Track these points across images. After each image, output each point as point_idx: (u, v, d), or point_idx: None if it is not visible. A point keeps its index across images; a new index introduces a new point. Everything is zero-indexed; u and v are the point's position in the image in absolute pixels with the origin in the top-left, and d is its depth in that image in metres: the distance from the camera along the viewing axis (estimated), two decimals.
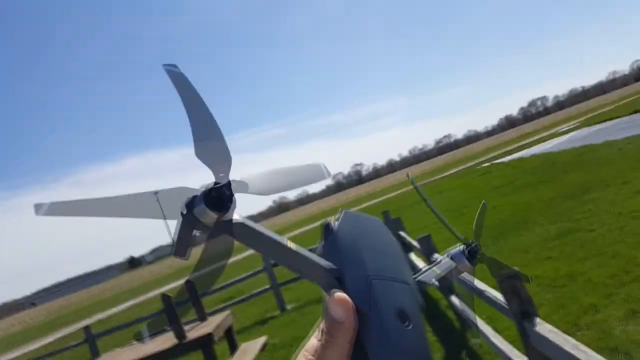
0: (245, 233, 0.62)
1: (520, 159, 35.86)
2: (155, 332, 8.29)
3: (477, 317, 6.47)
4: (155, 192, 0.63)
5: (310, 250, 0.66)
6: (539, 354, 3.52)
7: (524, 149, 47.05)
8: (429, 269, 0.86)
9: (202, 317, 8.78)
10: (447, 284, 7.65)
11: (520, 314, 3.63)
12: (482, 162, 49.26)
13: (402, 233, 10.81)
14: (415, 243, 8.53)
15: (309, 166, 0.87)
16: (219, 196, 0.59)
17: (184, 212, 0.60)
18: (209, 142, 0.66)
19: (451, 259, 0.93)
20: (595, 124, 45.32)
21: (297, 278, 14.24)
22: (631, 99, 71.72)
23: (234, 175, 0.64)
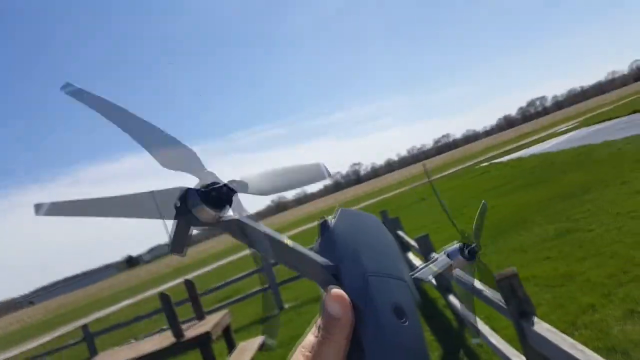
0: (241, 229, 0.62)
1: (519, 159, 35.92)
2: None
3: (477, 318, 6.47)
4: (152, 192, 0.62)
5: (310, 249, 0.67)
6: (537, 353, 3.52)
7: (523, 149, 47.11)
8: (426, 266, 0.86)
9: (200, 316, 8.79)
10: (444, 284, 7.66)
11: (518, 313, 3.63)
12: (481, 162, 49.34)
13: (400, 233, 10.82)
14: (413, 243, 8.54)
15: (309, 166, 0.86)
16: (218, 194, 0.59)
17: (177, 204, 0.60)
18: (164, 147, 0.63)
19: (447, 256, 0.93)
20: (594, 124, 45.38)
21: (295, 277, 14.29)
22: (630, 99, 71.79)
23: (234, 175, 0.64)
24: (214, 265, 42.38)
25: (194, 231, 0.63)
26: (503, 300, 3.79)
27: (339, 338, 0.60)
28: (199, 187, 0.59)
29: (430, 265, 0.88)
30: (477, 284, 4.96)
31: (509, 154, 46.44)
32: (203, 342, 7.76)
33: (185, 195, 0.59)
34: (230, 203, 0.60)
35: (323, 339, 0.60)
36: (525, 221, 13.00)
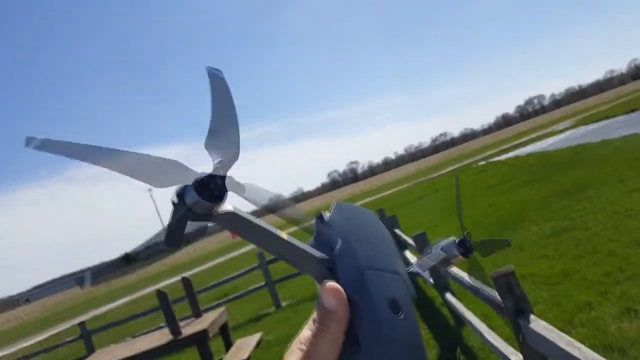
0: (236, 222, 0.62)
1: (517, 158, 35.96)
2: None
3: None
4: (147, 157, 0.62)
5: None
6: (534, 351, 3.53)
7: (520, 147, 47.14)
8: (421, 260, 0.87)
9: (197, 314, 8.79)
10: (442, 282, 7.67)
11: (514, 312, 3.64)
12: (478, 161, 49.31)
13: (397, 231, 10.83)
14: (410, 241, 8.55)
15: (300, 209, 0.86)
16: (213, 186, 0.59)
17: (175, 200, 0.60)
18: (223, 134, 0.66)
19: (442, 250, 0.94)
20: (592, 122, 45.42)
21: (292, 275, 14.30)
22: (628, 97, 71.87)
23: (235, 174, 0.64)
24: (211, 264, 42.37)
25: (192, 227, 0.63)
26: (500, 299, 3.80)
27: (335, 331, 0.60)
28: (195, 182, 0.59)
29: (425, 259, 0.88)
30: (472, 280, 4.97)
31: (507, 152, 46.48)
32: (200, 339, 7.76)
33: (182, 191, 0.59)
34: (225, 195, 0.61)
35: (318, 332, 0.61)
36: (523, 219, 13.01)
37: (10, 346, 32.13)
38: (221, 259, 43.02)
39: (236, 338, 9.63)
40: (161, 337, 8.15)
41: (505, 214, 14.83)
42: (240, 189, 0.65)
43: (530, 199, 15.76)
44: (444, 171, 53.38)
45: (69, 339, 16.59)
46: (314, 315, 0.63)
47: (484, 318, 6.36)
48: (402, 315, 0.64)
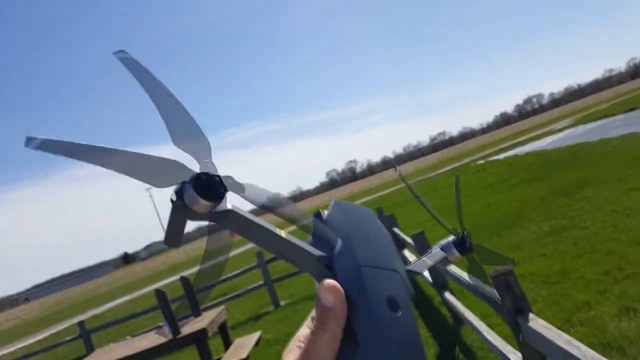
0: (235, 221, 0.62)
1: (515, 157, 35.96)
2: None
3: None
4: (146, 157, 0.62)
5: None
6: (532, 350, 3.53)
7: (519, 146, 47.12)
8: (420, 259, 0.87)
9: (197, 313, 8.79)
10: (440, 280, 7.67)
11: (513, 310, 3.64)
12: (477, 160, 49.30)
13: (396, 230, 10.83)
14: (409, 240, 8.54)
15: (300, 208, 0.86)
16: (212, 185, 0.59)
17: (174, 198, 0.60)
18: (183, 127, 0.65)
19: (441, 249, 0.94)
20: (590, 121, 45.43)
21: (291, 275, 14.30)
22: (627, 96, 71.86)
23: (231, 171, 0.64)
24: (221, 259, 42.28)
25: (191, 225, 0.63)
26: (499, 297, 3.80)
27: (333, 329, 0.60)
28: (193, 180, 0.59)
29: (424, 258, 0.88)
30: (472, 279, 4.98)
31: (505, 151, 46.46)
32: (199, 338, 7.76)
33: (181, 189, 0.59)
34: (224, 193, 0.61)
35: (317, 330, 0.61)
36: (521, 218, 13.02)
37: (9, 345, 32.14)
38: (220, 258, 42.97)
39: (235, 337, 9.63)
40: (160, 336, 8.15)
41: (504, 213, 14.83)
42: (239, 189, 0.65)
43: (529, 198, 15.76)
44: (442, 170, 53.34)
45: (69, 338, 16.56)
46: (313, 313, 0.63)
47: (482, 317, 6.36)
48: (400, 314, 0.64)
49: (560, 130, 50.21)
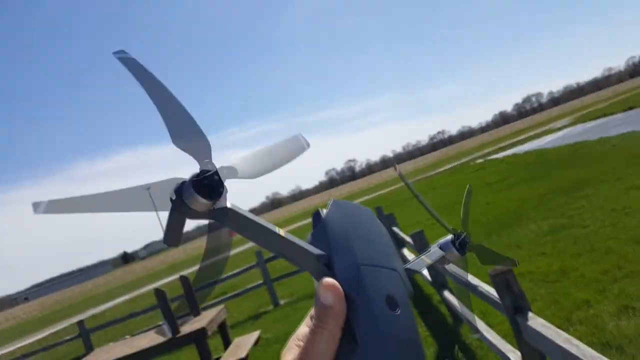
0: (234, 219, 0.62)
1: (514, 156, 35.96)
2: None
3: (474, 315, 6.48)
4: (147, 187, 0.63)
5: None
6: (532, 348, 3.53)
7: (518, 145, 47.11)
8: (419, 258, 0.87)
9: (196, 312, 8.79)
10: (439, 279, 7.67)
11: (513, 309, 3.64)
12: (476, 159, 49.30)
13: (395, 229, 10.83)
14: (408, 239, 8.54)
15: (288, 140, 0.88)
16: (210, 183, 0.60)
17: (173, 197, 0.60)
18: (183, 127, 0.66)
19: (440, 248, 0.94)
20: (589, 120, 45.45)
21: (290, 274, 14.31)
22: (626, 95, 71.85)
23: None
24: (221, 257, 42.27)
25: (190, 223, 0.63)
26: (498, 296, 3.80)
27: (332, 327, 0.60)
28: (191, 178, 0.60)
29: (423, 257, 0.88)
30: (470, 278, 4.98)
31: (504, 150, 46.46)
32: (199, 337, 7.75)
33: (181, 188, 0.60)
34: (222, 190, 0.61)
35: (316, 328, 0.61)
36: (520, 217, 13.02)
37: (9, 345, 32.12)
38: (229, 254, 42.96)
39: (234, 336, 9.63)
40: (160, 335, 8.15)
41: (503, 211, 14.84)
42: (233, 173, 0.66)
43: (528, 197, 15.77)
44: (441, 169, 53.34)
45: (68, 337, 16.58)
46: (312, 311, 0.63)
47: (482, 315, 6.37)
48: (399, 312, 0.65)
49: (560, 129, 50.21)
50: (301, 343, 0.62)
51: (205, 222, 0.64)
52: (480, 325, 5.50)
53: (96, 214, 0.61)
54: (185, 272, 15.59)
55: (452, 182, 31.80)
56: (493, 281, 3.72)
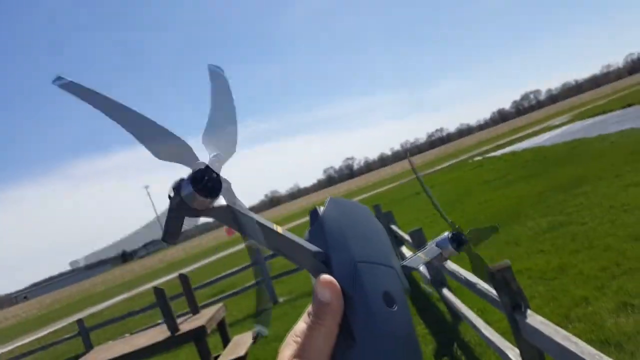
0: (231, 216, 0.63)
1: (513, 153, 35.94)
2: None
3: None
4: (166, 131, 0.63)
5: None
6: (530, 346, 3.54)
7: (517, 142, 47.12)
8: (415, 255, 0.88)
9: (195, 310, 8.80)
10: (438, 278, 7.68)
11: (511, 306, 3.64)
12: (474, 156, 49.32)
13: (393, 227, 10.83)
14: (406, 237, 8.55)
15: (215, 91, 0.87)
16: (208, 181, 0.60)
17: (172, 195, 0.60)
18: (158, 139, 0.64)
19: (436, 245, 0.95)
20: (588, 117, 45.45)
21: (289, 271, 14.31)
22: (625, 92, 71.82)
23: (232, 172, 0.65)
24: (208, 260, 42.36)
25: (189, 222, 0.64)
26: (496, 293, 3.80)
27: (330, 324, 0.61)
28: (191, 176, 0.60)
29: (420, 254, 0.89)
30: (468, 275, 4.99)
31: (503, 147, 46.47)
32: (198, 336, 7.77)
33: (179, 186, 0.60)
34: (221, 189, 0.61)
35: (313, 324, 0.61)
36: (519, 214, 13.03)
37: (8, 344, 32.11)
38: (218, 256, 43.02)
39: (234, 334, 9.64)
40: (159, 333, 8.15)
41: (501, 209, 14.85)
42: (221, 159, 0.66)
43: (526, 194, 15.78)
44: (439, 167, 53.33)
45: (67, 336, 16.57)
46: (309, 308, 0.64)
47: (480, 313, 6.38)
48: (396, 308, 0.65)
49: (558, 126, 50.22)
50: (299, 339, 0.62)
51: (204, 220, 0.64)
52: (478, 322, 5.51)
53: (114, 122, 0.61)
54: (184, 271, 15.60)
55: (450, 180, 31.82)
56: (491, 279, 3.72)
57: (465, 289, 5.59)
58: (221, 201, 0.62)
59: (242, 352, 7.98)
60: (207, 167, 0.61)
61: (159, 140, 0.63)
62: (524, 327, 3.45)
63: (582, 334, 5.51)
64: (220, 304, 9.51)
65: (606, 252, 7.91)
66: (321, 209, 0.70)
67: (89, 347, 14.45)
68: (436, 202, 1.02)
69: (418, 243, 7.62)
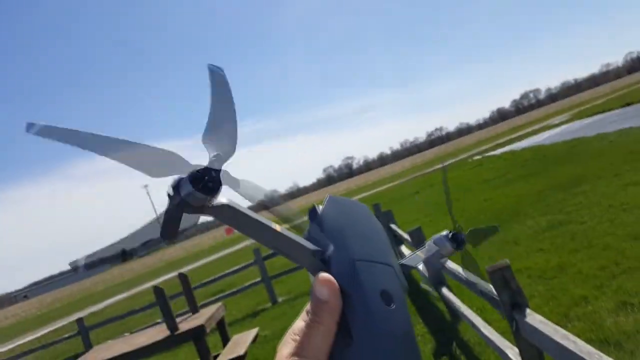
0: (231, 215, 0.63)
1: (512, 152, 35.91)
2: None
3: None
4: (150, 149, 0.63)
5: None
6: (529, 345, 3.54)
7: (516, 141, 47.10)
8: (414, 253, 0.88)
9: (194, 309, 8.80)
10: (438, 276, 7.67)
11: (510, 305, 3.65)
12: (474, 155, 49.28)
13: (393, 226, 10.83)
14: (406, 236, 8.55)
15: (293, 206, 0.87)
16: (208, 179, 0.60)
17: (171, 193, 0.61)
18: (222, 129, 0.68)
19: (435, 243, 0.95)
20: (587, 116, 45.44)
21: (288, 271, 14.31)
22: (624, 91, 71.79)
23: (230, 171, 0.65)
24: (208, 259, 42.36)
25: (189, 221, 0.64)
26: (495, 293, 3.80)
27: (328, 322, 0.61)
28: (190, 174, 0.60)
29: (418, 253, 0.89)
30: (467, 274, 4.99)
31: (502, 146, 46.43)
32: (197, 335, 7.76)
33: (178, 183, 0.60)
34: (220, 188, 0.62)
35: (312, 323, 0.62)
36: (518, 213, 13.03)
37: (8, 343, 32.11)
38: (217, 255, 43.01)
39: (233, 333, 9.64)
40: (158, 332, 8.15)
41: (500, 208, 14.84)
42: (235, 184, 0.66)
43: (525, 193, 15.77)
44: (439, 166, 53.25)
45: (67, 335, 16.58)
46: (308, 306, 0.64)
47: (479, 312, 6.38)
48: (394, 307, 0.65)
49: (557, 125, 50.18)
50: (297, 337, 0.62)
51: (204, 219, 0.64)
52: (478, 321, 5.51)
53: (93, 153, 0.61)
54: (184, 270, 15.60)
55: (449, 179, 31.74)
56: (490, 277, 3.72)
57: (465, 288, 5.59)
58: (220, 199, 0.62)
59: (241, 352, 7.98)
60: (206, 167, 0.62)
61: (147, 160, 0.62)
62: (523, 326, 3.45)
63: (581, 333, 5.52)
64: (219, 303, 9.51)
65: (605, 251, 7.91)
66: (320, 208, 0.71)
67: (88, 346, 14.46)
68: (450, 205, 1.03)
69: (417, 242, 7.62)
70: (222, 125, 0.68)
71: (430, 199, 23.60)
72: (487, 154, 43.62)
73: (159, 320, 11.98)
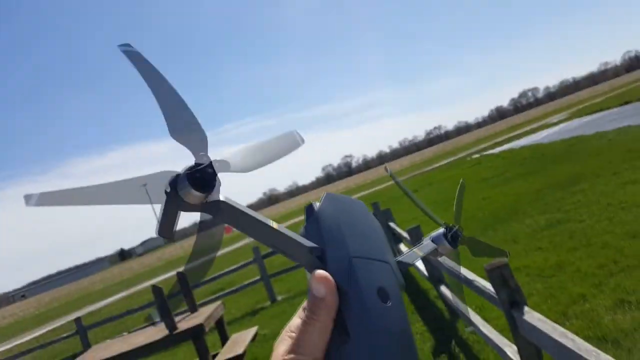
0: (227, 212, 0.63)
1: (510, 150, 35.94)
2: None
3: (467, 308, 6.49)
4: (143, 183, 0.64)
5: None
6: (528, 342, 3.54)
7: (514, 140, 47.11)
8: (411, 250, 0.88)
9: (193, 308, 8.79)
10: (436, 275, 7.68)
11: (509, 303, 3.65)
12: (472, 154, 49.29)
13: (391, 224, 10.83)
14: (404, 234, 8.56)
15: (283, 136, 0.89)
16: (203, 175, 0.61)
17: (168, 190, 0.61)
18: (182, 120, 0.67)
19: (432, 241, 0.95)
20: (585, 115, 45.46)
21: (287, 270, 14.30)
22: (622, 90, 71.85)
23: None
24: (207, 258, 42.25)
25: (189, 220, 0.64)
26: (494, 291, 3.81)
27: (324, 319, 0.61)
28: (185, 171, 0.61)
29: (415, 250, 0.89)
30: (466, 272, 4.99)
31: (501, 145, 46.43)
32: (196, 334, 7.75)
33: (175, 180, 0.61)
34: (215, 183, 0.62)
35: (308, 319, 0.62)
36: (517, 212, 13.03)
37: (6, 342, 32.07)
38: (217, 254, 42.90)
39: (232, 332, 9.63)
40: (157, 332, 8.14)
41: (499, 206, 14.84)
42: (225, 167, 0.67)
43: (524, 192, 15.78)
44: (437, 165, 53.30)
45: (65, 334, 16.56)
46: (304, 303, 0.64)
47: (478, 310, 6.38)
48: (390, 304, 0.65)
49: (556, 123, 50.21)
50: (294, 334, 0.62)
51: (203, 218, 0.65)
52: (476, 319, 5.52)
53: (91, 207, 0.62)
54: (182, 269, 15.57)
55: (448, 178, 31.79)
56: (489, 276, 3.72)
57: (464, 286, 5.60)
58: (216, 196, 0.62)
59: (240, 350, 7.97)
60: (205, 164, 0.62)
61: (180, 122, 0.66)
62: (521, 324, 3.45)
63: (579, 331, 5.53)
64: (218, 302, 9.49)
65: (604, 249, 7.92)
66: (317, 205, 0.71)
67: (86, 345, 14.46)
68: (422, 206, 1.03)
69: (416, 240, 7.62)
70: (174, 112, 0.68)
71: (429, 198, 23.58)
72: (485, 153, 43.63)
73: (157, 320, 11.99)
